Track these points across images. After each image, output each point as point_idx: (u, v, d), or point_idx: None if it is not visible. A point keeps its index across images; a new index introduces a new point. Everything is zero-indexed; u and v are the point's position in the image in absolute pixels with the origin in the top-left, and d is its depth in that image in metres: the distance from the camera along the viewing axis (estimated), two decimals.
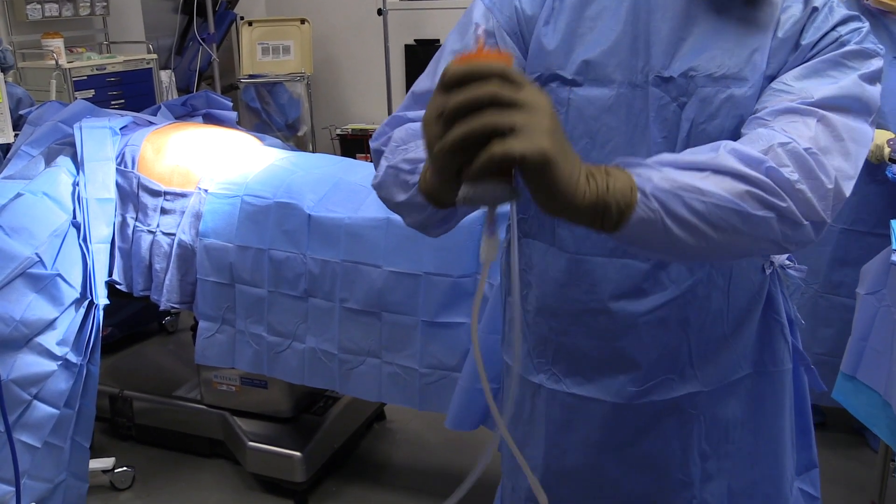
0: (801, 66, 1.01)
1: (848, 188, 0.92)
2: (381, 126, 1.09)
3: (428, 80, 1.10)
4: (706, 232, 0.85)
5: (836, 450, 2.79)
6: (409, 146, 1.00)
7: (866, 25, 1.03)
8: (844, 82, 0.97)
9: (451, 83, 0.73)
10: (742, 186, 0.86)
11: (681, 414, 1.16)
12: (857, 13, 1.04)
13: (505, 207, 0.81)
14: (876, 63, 1.00)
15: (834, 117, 0.94)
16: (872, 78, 1.00)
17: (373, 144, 1.09)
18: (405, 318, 2.21)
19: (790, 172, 0.87)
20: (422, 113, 0.98)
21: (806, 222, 0.89)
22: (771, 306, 1.19)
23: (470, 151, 0.72)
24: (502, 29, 1.09)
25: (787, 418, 1.25)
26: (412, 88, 1.11)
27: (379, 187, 1.04)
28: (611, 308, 1.11)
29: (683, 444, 1.18)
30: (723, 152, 0.87)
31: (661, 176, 0.84)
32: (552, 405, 1.20)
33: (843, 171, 0.92)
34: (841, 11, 1.04)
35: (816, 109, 0.94)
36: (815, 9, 1.03)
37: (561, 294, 1.14)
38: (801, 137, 0.90)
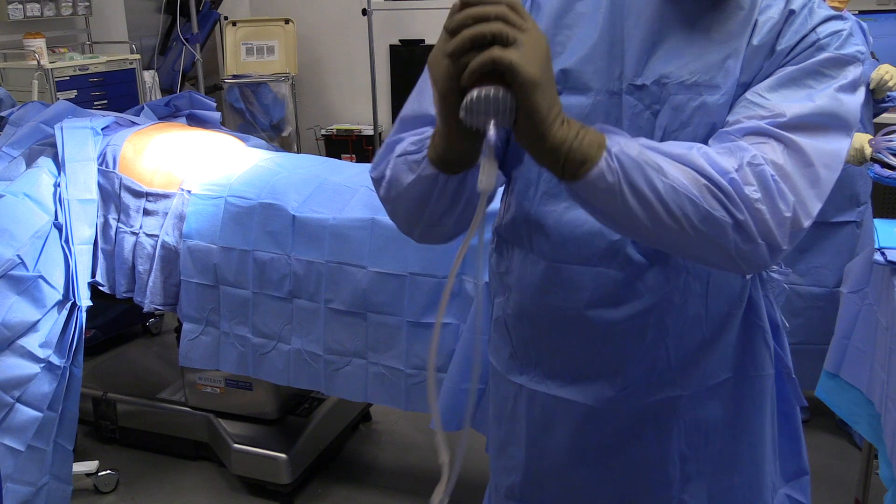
0: (777, 74, 0.99)
1: (808, 219, 0.93)
2: (378, 154, 1.09)
3: (415, 103, 1.09)
4: (659, 212, 0.88)
5: (820, 448, 2.80)
6: (413, 139, 1.03)
7: (847, 26, 1.01)
8: (820, 98, 0.96)
9: (462, 5, 0.82)
10: (703, 181, 0.89)
11: (660, 417, 1.16)
12: (839, 13, 1.03)
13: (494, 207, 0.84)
14: (853, 71, 0.99)
15: (804, 141, 0.93)
16: (852, 87, 0.98)
17: (373, 174, 1.09)
18: (390, 319, 2.21)
19: (753, 191, 0.89)
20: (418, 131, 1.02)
21: (761, 241, 0.90)
22: (752, 311, 1.18)
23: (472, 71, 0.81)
24: None
25: (767, 424, 1.24)
26: (400, 114, 1.11)
27: (388, 187, 1.05)
28: (587, 316, 1.10)
29: (662, 446, 1.17)
30: (695, 152, 0.90)
31: (631, 145, 0.88)
32: (533, 406, 1.20)
33: (805, 201, 0.92)
34: (821, 13, 1.01)
35: (785, 134, 0.93)
36: (793, 12, 1.01)
37: (539, 300, 1.14)
38: (768, 162, 0.91)
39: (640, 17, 1.04)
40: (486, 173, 0.85)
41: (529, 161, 1.09)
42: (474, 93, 0.82)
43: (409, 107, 1.10)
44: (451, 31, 0.83)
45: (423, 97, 1.06)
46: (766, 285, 1.23)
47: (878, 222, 2.06)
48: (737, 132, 0.96)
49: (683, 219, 0.88)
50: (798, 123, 0.94)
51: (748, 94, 0.99)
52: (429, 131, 0.99)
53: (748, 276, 1.17)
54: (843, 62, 0.98)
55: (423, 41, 5.73)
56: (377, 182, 1.09)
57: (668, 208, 0.88)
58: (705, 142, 1.00)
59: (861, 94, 1.00)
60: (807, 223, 0.93)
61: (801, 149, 0.93)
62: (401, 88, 5.88)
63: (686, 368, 1.14)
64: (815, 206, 0.93)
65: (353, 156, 5.76)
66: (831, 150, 0.95)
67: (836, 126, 0.96)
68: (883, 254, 1.89)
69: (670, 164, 0.89)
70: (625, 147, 0.88)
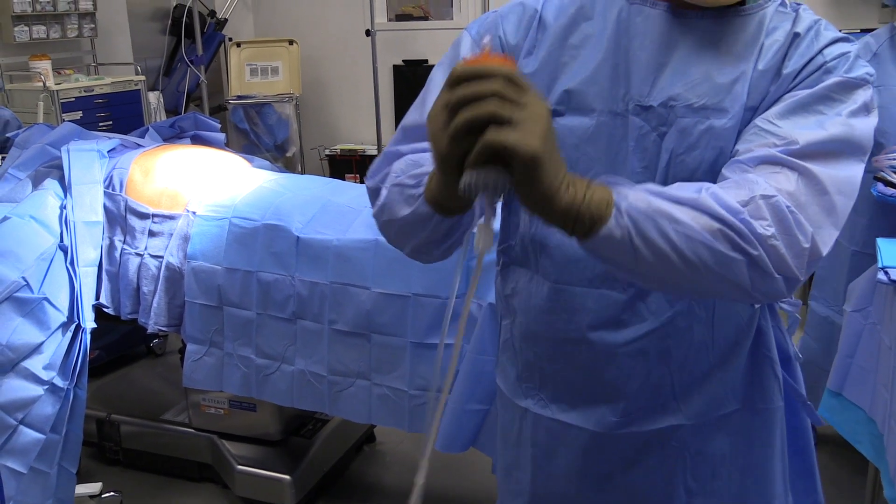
0: (787, 101, 0.98)
1: (826, 246, 0.91)
2: (376, 163, 1.09)
3: (416, 113, 1.10)
4: (673, 260, 0.87)
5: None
6: (409, 173, 1.02)
7: (855, 48, 1.00)
8: (832, 125, 0.94)
9: (458, 80, 0.80)
10: (715, 224, 0.87)
11: (664, 447, 1.15)
12: (844, 35, 1.02)
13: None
14: (863, 94, 0.97)
15: (818, 169, 0.92)
16: (864, 110, 0.97)
17: (369, 183, 1.09)
18: (394, 340, 2.21)
19: (766, 227, 0.88)
20: (415, 146, 1.04)
21: (778, 276, 0.89)
22: (761, 340, 1.17)
23: (472, 141, 0.80)
24: None
25: (777, 458, 1.22)
26: (402, 123, 1.11)
27: (381, 210, 1.05)
28: (590, 338, 1.10)
29: (667, 478, 1.16)
30: (704, 194, 0.88)
31: (639, 197, 0.87)
32: (538, 430, 1.20)
33: (823, 228, 0.91)
34: (828, 35, 1.01)
35: (798, 162, 0.92)
36: (798, 34, 1.01)
37: (543, 322, 1.14)
38: (782, 192, 0.90)
39: (647, 37, 1.03)
40: (484, 237, 0.85)
41: None
42: (473, 175, 0.82)
43: (411, 116, 1.11)
44: (450, 108, 0.81)
45: (426, 107, 1.07)
46: (778, 317, 1.22)
47: (881, 241, 2.06)
48: (749, 161, 0.94)
49: (699, 264, 0.88)
50: (811, 151, 0.93)
51: (758, 122, 0.98)
52: (427, 164, 0.99)
53: (756, 305, 1.15)
54: (852, 86, 0.97)
55: (426, 61, 5.76)
56: (372, 193, 1.09)
57: (683, 255, 0.87)
58: (712, 166, 1.00)
59: (874, 116, 0.98)
60: (824, 252, 0.92)
61: (815, 177, 0.91)
62: (404, 108, 5.84)
63: (691, 397, 1.13)
64: (833, 235, 0.92)
65: (357, 176, 5.78)
66: (846, 176, 0.94)
67: (849, 152, 0.95)
68: (886, 273, 1.89)
69: (680, 211, 0.87)
70: (633, 201, 0.87)
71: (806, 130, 0.94)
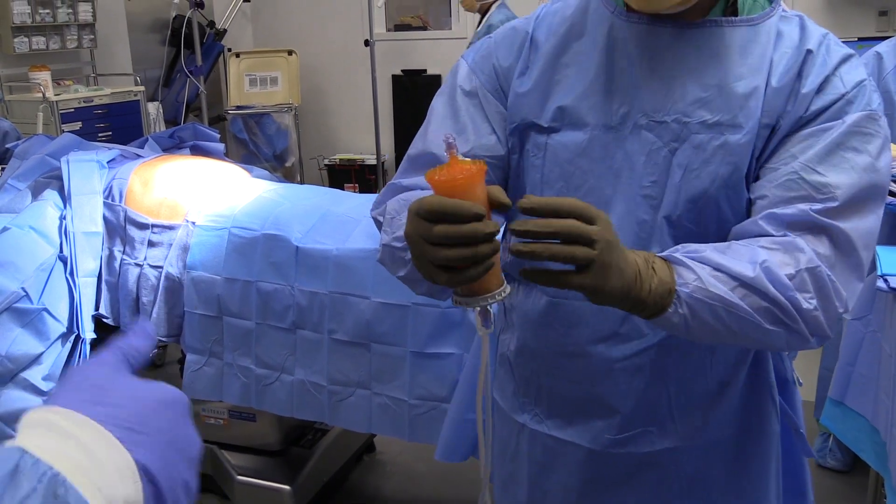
0: (818, 138, 0.98)
1: (852, 301, 0.98)
2: (380, 194, 1.14)
3: (420, 142, 1.14)
4: (720, 331, 0.94)
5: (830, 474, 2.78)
6: (401, 218, 1.02)
7: (865, 73, 1.02)
8: (864, 170, 0.97)
9: (431, 215, 0.82)
10: (764, 304, 0.93)
11: (660, 469, 1.15)
12: (851, 51, 1.03)
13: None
14: (884, 125, 1.01)
15: (849, 227, 0.96)
16: (886, 143, 1.00)
17: (372, 213, 1.14)
18: (394, 349, 2.21)
19: (809, 300, 0.94)
20: (415, 180, 1.08)
21: (812, 338, 0.96)
22: (758, 365, 1.17)
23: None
24: (484, 88, 1.12)
25: (772, 483, 1.22)
26: (408, 152, 1.15)
27: (382, 263, 1.08)
28: (587, 352, 1.10)
29: (662, 499, 1.16)
30: (759, 271, 0.93)
31: (698, 283, 0.92)
32: (534, 445, 1.20)
33: (850, 284, 0.97)
34: (837, 50, 1.02)
35: (834, 224, 0.95)
36: (810, 51, 1.01)
37: (541, 336, 1.14)
38: (821, 257, 0.95)
39: (645, 52, 1.04)
40: (482, 328, 0.91)
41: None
42: (465, 301, 0.87)
43: (416, 146, 1.14)
44: (428, 241, 0.84)
45: (428, 137, 1.11)
46: None
47: (880, 249, 2.05)
48: (787, 219, 0.97)
49: (742, 335, 0.95)
50: (846, 207, 0.96)
51: (798, 168, 0.98)
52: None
53: None
54: (875, 117, 1.00)
55: (425, 71, 5.78)
56: (377, 225, 1.12)
57: (731, 330, 0.94)
58: (726, 182, 1.01)
59: (890, 155, 1.01)
60: (851, 306, 0.98)
61: (847, 237, 0.96)
62: (403, 118, 5.92)
63: (687, 418, 1.13)
64: (858, 289, 0.98)
65: (356, 185, 5.79)
66: (870, 228, 0.98)
67: (875, 197, 0.99)
68: (886, 280, 1.88)
69: (734, 292, 0.92)
70: (693, 290, 0.92)
71: (841, 177, 0.97)
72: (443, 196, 0.82)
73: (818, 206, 0.96)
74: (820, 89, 1.00)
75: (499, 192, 0.85)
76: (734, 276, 0.93)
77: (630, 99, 1.04)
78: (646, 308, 0.92)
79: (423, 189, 1.03)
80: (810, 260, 0.94)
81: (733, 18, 1.03)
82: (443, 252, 0.82)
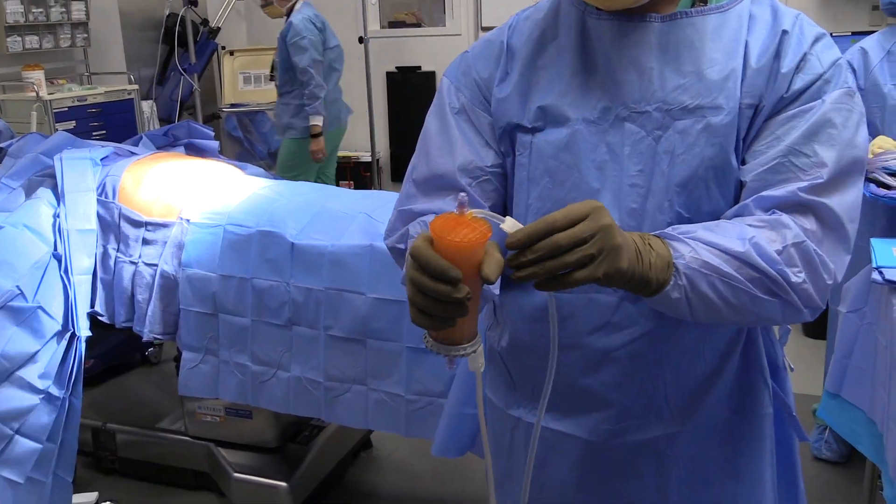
0: (802, 125, 1.01)
1: (841, 273, 1.01)
2: (391, 222, 1.16)
3: (423, 165, 1.16)
4: (719, 305, 0.98)
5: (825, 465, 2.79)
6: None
7: (834, 44, 1.05)
8: (846, 146, 1.01)
9: (427, 269, 0.86)
10: (756, 275, 0.97)
11: (658, 455, 1.16)
12: (823, 30, 1.06)
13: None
14: (860, 101, 1.04)
15: (835, 202, 1.00)
16: (862, 118, 1.04)
17: (388, 242, 1.16)
18: (390, 345, 2.21)
19: (797, 273, 0.97)
20: (427, 206, 1.11)
21: (805, 309, 1.00)
22: (750, 349, 1.18)
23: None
24: (471, 103, 1.15)
25: (767, 464, 1.23)
26: (411, 176, 1.17)
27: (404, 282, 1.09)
28: (581, 343, 1.11)
29: (661, 486, 1.17)
30: (748, 247, 0.96)
31: (693, 255, 0.96)
32: (530, 440, 1.20)
33: (838, 257, 1.01)
34: (812, 30, 1.05)
35: (820, 201, 0.99)
36: (785, 31, 1.04)
37: (535, 330, 1.14)
38: (808, 232, 0.99)
39: (617, 46, 1.06)
40: (474, 363, 0.95)
41: (519, 198, 1.13)
42: (440, 348, 0.92)
43: (419, 169, 1.16)
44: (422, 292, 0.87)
45: (429, 157, 1.14)
46: (769, 326, 1.23)
47: (874, 241, 2.06)
48: (774, 201, 1.00)
49: (740, 306, 0.98)
50: (831, 184, 1.00)
51: (784, 150, 1.01)
52: None
53: None
54: (850, 94, 1.03)
55: (419, 68, 5.77)
56: (393, 253, 1.15)
57: (728, 302, 0.97)
58: (713, 162, 1.03)
59: (865, 129, 1.05)
60: (840, 278, 1.01)
61: (833, 213, 1.00)
62: (398, 115, 5.92)
63: (683, 404, 1.14)
64: (846, 261, 1.02)
65: (352, 182, 5.79)
66: (853, 200, 1.02)
67: (856, 171, 1.02)
68: (881, 273, 1.89)
69: (728, 264, 0.96)
70: (689, 261, 0.96)
71: (826, 154, 1.00)
72: (435, 248, 0.86)
73: (805, 184, 0.99)
74: (798, 68, 1.03)
75: (487, 267, 0.87)
76: (725, 251, 0.96)
77: (609, 93, 1.06)
78: (649, 284, 0.94)
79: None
80: (796, 235, 0.97)
81: (703, 8, 1.06)
82: (418, 296, 0.87)
